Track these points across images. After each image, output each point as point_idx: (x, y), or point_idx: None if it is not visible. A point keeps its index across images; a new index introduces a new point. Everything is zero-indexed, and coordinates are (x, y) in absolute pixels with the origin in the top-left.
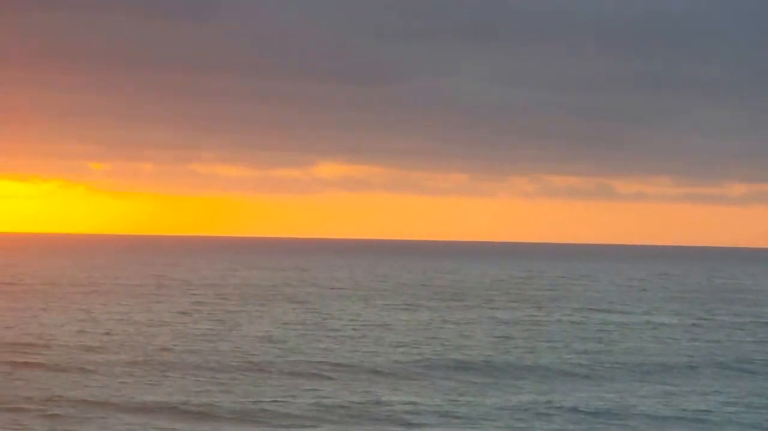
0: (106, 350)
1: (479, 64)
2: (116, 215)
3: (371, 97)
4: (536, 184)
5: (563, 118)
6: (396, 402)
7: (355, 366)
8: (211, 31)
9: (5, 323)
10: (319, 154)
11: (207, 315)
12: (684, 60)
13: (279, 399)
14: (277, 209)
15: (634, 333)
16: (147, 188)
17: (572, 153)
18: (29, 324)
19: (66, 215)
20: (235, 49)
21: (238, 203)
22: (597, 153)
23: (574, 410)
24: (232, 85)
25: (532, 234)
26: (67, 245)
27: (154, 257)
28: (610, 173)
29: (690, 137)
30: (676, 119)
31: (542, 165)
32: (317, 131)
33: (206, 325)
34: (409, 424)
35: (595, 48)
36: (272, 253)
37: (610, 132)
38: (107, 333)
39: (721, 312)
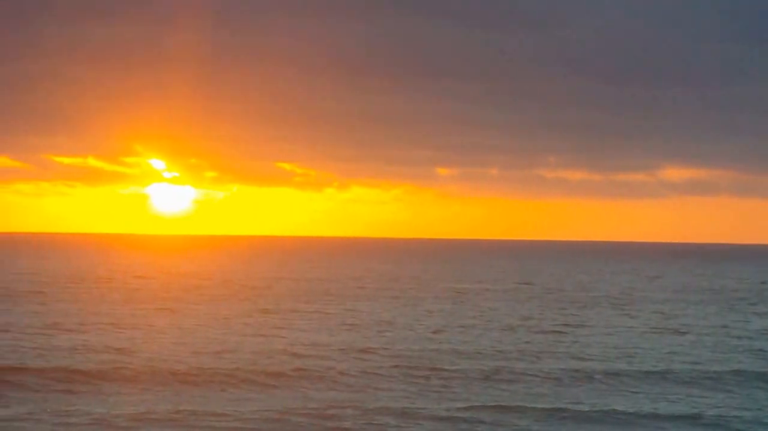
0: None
1: None
2: (463, 219)
3: (715, 100)
4: None
5: None
6: None
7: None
8: (557, 38)
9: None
10: (664, 157)
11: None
12: None
13: None
14: (620, 213)
15: None
16: (493, 192)
17: None
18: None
19: (414, 220)
20: (580, 56)
21: (581, 207)
22: None
23: None
24: (576, 91)
25: None
26: (414, 250)
27: (512, 261)
28: None
29: None
30: None
31: None
32: (663, 134)
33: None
34: None
35: None
36: (619, 258)
37: None
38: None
39: None
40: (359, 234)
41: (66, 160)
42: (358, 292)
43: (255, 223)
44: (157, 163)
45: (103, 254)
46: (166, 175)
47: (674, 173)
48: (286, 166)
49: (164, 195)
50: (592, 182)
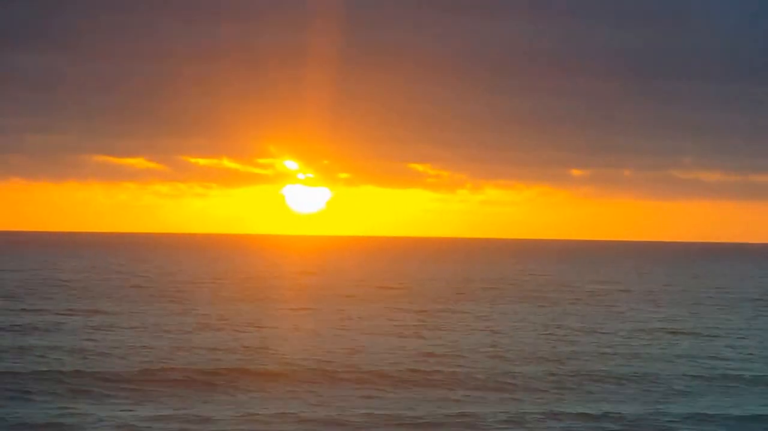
0: None
1: None
2: (596, 221)
3: None
4: None
5: None
6: None
7: None
8: (684, 37)
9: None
10: None
11: None
12: None
13: None
14: (759, 215)
15: None
16: (625, 194)
17: None
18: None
19: (548, 221)
20: (712, 56)
21: (716, 208)
22: None
23: None
24: (708, 92)
25: None
26: (548, 251)
27: (651, 263)
28: None
29: None
30: None
31: None
32: None
33: None
34: None
35: None
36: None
37: None
38: None
39: None
40: (492, 236)
41: (201, 161)
42: (493, 293)
43: (387, 224)
44: (291, 164)
45: (240, 254)
46: (300, 176)
47: None
48: (419, 167)
49: (297, 196)
50: (728, 184)
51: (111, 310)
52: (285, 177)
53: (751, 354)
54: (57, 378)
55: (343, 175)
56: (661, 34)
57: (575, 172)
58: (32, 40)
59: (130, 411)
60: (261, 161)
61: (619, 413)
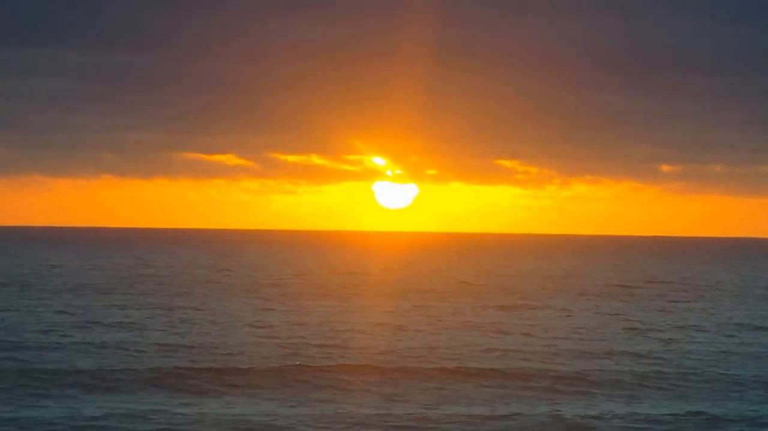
0: None
1: None
2: (685, 217)
3: None
4: None
5: None
6: None
7: None
8: None
9: None
10: None
11: None
12: None
13: None
14: None
15: None
16: (715, 190)
17: None
18: None
19: (636, 217)
20: None
21: None
22: None
23: None
24: None
25: None
26: (638, 247)
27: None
28: None
29: None
30: None
31: None
32: None
33: None
34: None
35: None
36: None
37: None
38: None
39: None
40: (580, 232)
41: (290, 158)
42: (590, 289)
43: (474, 220)
44: (379, 160)
45: (328, 250)
46: (387, 173)
47: None
48: (507, 163)
49: (385, 192)
50: None
51: (204, 306)
52: (373, 174)
53: None
54: (154, 374)
55: (431, 171)
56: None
57: (665, 167)
58: (127, 40)
59: (237, 407)
60: (349, 157)
61: None
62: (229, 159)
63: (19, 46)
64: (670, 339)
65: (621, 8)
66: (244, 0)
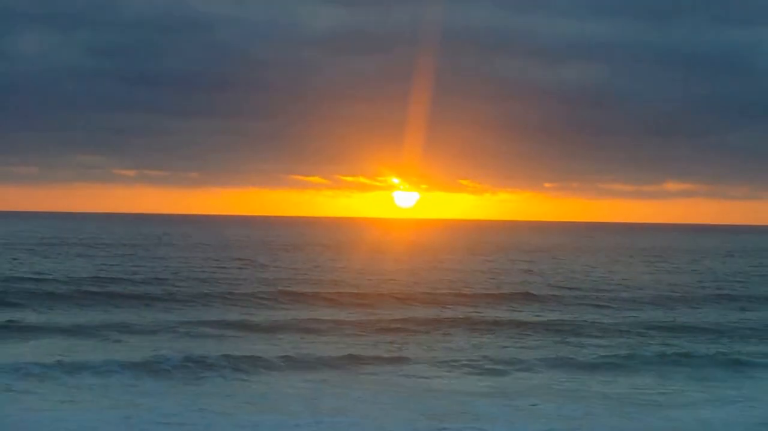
0: None
1: None
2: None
3: None
4: None
5: None
6: None
7: None
8: None
9: None
10: None
11: None
12: None
13: None
14: None
15: None
16: None
17: None
18: None
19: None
20: None
21: None
22: None
23: None
24: None
25: None
26: None
27: None
28: None
29: None
30: None
31: None
32: None
33: None
34: None
35: None
36: None
37: None
38: None
39: None
40: (500, 218)
41: (348, 178)
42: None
43: (448, 212)
44: (395, 180)
45: (371, 229)
46: (400, 186)
47: None
48: (464, 182)
49: (399, 198)
50: None
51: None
52: (392, 187)
53: None
54: None
55: (424, 186)
56: None
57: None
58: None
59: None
60: (379, 178)
61: None
62: (316, 180)
63: None
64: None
65: None
66: None
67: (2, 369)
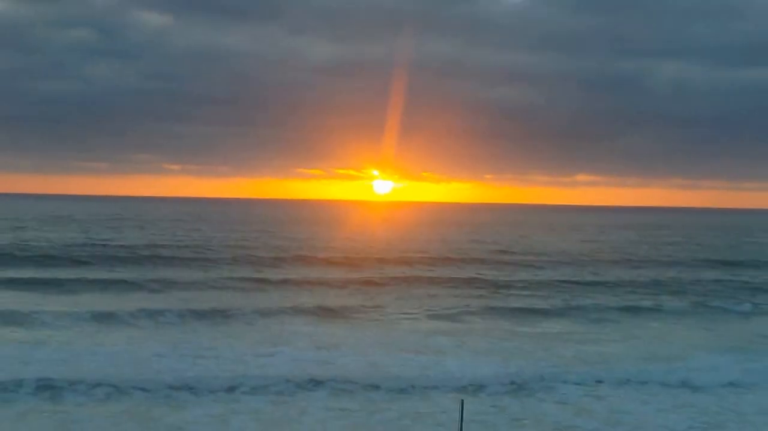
0: None
1: None
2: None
3: None
4: None
5: None
6: None
7: None
8: None
9: None
10: None
11: None
12: None
13: None
14: None
15: None
16: None
17: None
18: None
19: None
20: None
21: None
22: None
23: None
24: None
25: None
26: None
27: None
28: None
29: None
30: None
31: None
32: None
33: None
34: None
35: None
36: None
37: None
38: None
39: None
40: (449, 201)
41: (340, 171)
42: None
43: (413, 196)
44: (375, 172)
45: (360, 208)
46: (379, 177)
47: None
48: (426, 174)
49: (379, 186)
50: None
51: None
52: (373, 177)
53: None
54: None
55: (395, 176)
56: None
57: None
58: None
59: None
60: (364, 170)
61: None
62: (316, 172)
63: None
64: None
65: None
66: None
67: (78, 315)
